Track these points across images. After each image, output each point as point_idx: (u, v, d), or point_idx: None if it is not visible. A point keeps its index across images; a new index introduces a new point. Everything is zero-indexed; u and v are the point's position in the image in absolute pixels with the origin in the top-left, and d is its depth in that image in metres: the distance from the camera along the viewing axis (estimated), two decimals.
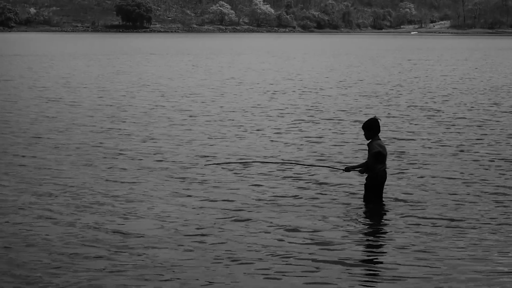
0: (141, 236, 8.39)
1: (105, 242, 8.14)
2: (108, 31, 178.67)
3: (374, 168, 9.58)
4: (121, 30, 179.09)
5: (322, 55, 60.69)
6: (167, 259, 7.66)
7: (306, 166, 11.97)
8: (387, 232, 8.69)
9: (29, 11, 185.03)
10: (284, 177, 11.70)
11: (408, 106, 22.15)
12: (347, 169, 9.94)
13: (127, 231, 8.56)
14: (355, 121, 18.54)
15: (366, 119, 10.07)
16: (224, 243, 8.21)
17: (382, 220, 9.22)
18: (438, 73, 37.95)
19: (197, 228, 8.78)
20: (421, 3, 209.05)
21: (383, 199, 9.95)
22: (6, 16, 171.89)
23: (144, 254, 7.80)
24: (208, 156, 13.47)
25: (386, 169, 9.83)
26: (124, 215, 9.32)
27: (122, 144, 14.91)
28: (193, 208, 9.74)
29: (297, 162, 12.49)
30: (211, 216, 9.34)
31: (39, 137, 15.74)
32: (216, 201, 10.12)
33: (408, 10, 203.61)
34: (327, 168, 11.62)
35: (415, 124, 18.03)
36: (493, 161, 13.16)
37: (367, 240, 8.47)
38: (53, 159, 13.14)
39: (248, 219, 9.16)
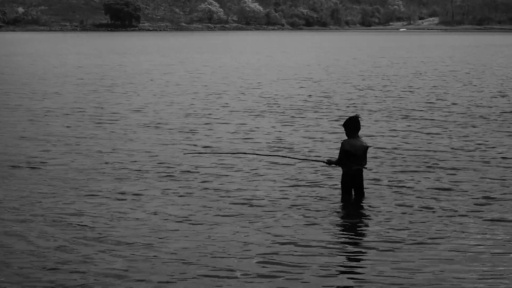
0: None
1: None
2: (97, 30, 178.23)
3: (345, 165, 9.63)
4: (109, 29, 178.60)
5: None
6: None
7: (289, 159, 11.99)
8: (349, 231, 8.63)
9: (17, 10, 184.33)
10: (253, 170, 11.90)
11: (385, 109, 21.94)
12: (329, 162, 9.92)
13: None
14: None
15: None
16: (200, 240, 8.25)
17: (347, 220, 9.08)
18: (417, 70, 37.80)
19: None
20: (409, 0, 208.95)
21: (358, 201, 9.75)
22: None
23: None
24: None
25: (363, 169, 9.69)
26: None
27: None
28: (173, 204, 9.81)
29: (277, 155, 12.35)
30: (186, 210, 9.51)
31: None
32: (190, 195, 10.34)
33: (396, 7, 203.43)
34: (310, 161, 11.52)
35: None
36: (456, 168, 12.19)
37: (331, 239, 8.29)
38: None
39: (225, 216, 9.25)
